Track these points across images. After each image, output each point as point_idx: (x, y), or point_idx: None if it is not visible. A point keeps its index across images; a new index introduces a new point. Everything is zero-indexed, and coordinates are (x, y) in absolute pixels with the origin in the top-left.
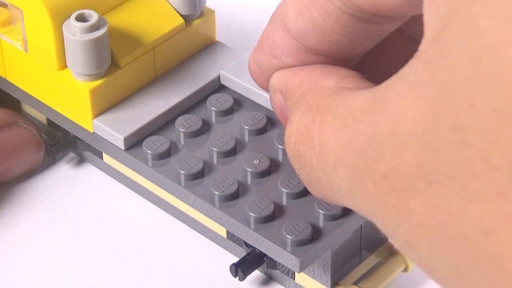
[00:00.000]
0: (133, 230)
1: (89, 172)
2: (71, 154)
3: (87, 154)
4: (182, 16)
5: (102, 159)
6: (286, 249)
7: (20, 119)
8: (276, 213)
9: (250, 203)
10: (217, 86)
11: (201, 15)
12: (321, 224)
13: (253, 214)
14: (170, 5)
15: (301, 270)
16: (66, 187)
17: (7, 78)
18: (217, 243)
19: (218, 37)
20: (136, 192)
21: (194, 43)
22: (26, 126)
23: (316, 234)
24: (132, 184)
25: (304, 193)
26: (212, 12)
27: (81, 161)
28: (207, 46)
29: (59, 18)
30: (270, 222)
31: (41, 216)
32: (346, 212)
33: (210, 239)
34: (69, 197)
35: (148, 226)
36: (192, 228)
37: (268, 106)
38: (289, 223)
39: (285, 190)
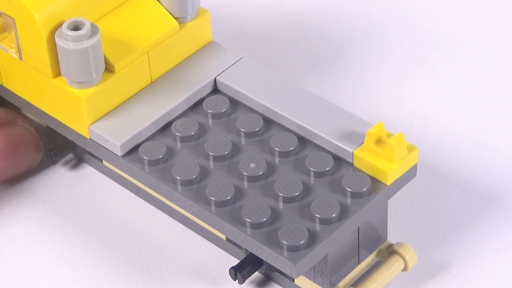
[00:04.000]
0: (133, 231)
1: (89, 172)
2: (71, 154)
3: (87, 156)
4: (175, 18)
5: (102, 161)
6: (283, 254)
7: (19, 118)
8: (272, 218)
9: (246, 208)
10: (213, 88)
11: (195, 16)
12: (317, 228)
13: (249, 220)
14: (163, 8)
15: (297, 275)
16: (66, 187)
17: (4, 85)
18: (217, 245)
19: (217, 37)
20: (136, 194)
21: (189, 45)
22: (25, 125)
23: (312, 238)
24: (132, 186)
25: (301, 196)
26: (206, 12)
27: (81, 161)
28: (203, 47)
29: (51, 27)
30: (266, 227)
31: (41, 216)
32: (342, 215)
33: (209, 240)
34: (69, 197)
35: (148, 227)
36: (192, 230)
37: (264, 110)
38: (285, 227)
39: (281, 194)
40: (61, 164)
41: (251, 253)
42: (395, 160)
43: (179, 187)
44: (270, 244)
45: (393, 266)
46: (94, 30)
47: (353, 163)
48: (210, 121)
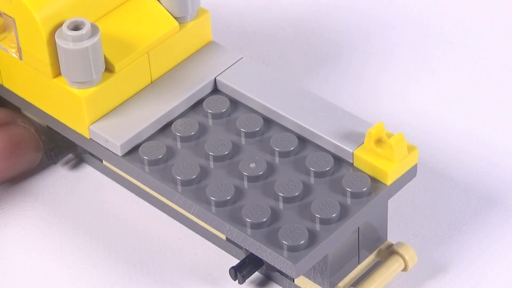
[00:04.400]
0: (133, 231)
1: (89, 172)
2: (71, 154)
3: (87, 156)
4: (175, 18)
5: (102, 161)
6: (283, 254)
7: (18, 118)
8: (272, 218)
9: (246, 208)
10: (213, 88)
11: (195, 16)
12: (317, 228)
13: (249, 220)
14: (163, 8)
15: (297, 275)
16: (66, 187)
17: (4, 85)
18: (217, 245)
19: (217, 37)
20: (136, 194)
21: (189, 45)
22: (25, 125)
23: (312, 238)
24: (132, 186)
25: (301, 196)
26: (206, 12)
27: (81, 161)
28: (203, 47)
29: (51, 27)
30: (266, 227)
31: (41, 216)
32: (342, 215)
33: (209, 240)
34: (69, 197)
35: (148, 227)
36: (192, 230)
37: (264, 110)
38: (285, 227)
39: (281, 194)
40: (61, 164)
41: (251, 253)
42: (395, 160)
43: (179, 187)
44: (270, 244)
45: (393, 266)
46: (94, 30)
47: (353, 163)
48: (210, 121)
